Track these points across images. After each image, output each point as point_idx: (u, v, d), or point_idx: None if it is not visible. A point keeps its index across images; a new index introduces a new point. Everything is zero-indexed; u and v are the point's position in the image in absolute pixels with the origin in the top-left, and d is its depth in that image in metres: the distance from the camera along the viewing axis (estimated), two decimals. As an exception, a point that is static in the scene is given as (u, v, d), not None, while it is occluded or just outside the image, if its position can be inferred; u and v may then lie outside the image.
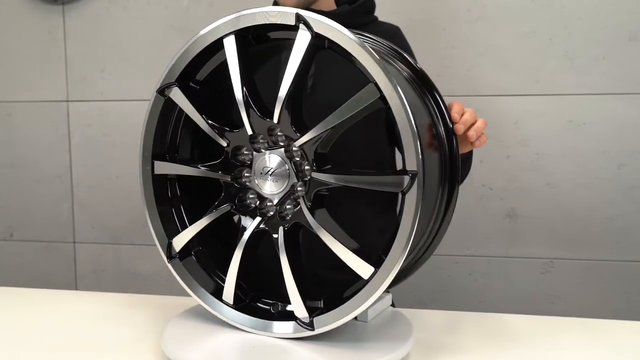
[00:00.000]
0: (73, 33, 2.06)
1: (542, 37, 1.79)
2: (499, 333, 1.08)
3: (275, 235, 0.96)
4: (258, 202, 0.99)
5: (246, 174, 1.00)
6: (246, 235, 0.97)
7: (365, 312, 1.00)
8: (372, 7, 1.39)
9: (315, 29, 0.86)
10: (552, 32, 1.78)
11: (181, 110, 1.05)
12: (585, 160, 1.81)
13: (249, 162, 0.98)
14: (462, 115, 1.02)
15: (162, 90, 1.01)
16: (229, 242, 1.08)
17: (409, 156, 0.83)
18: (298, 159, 0.93)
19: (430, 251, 1.01)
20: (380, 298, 1.04)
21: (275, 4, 1.39)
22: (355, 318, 1.00)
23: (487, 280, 1.91)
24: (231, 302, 1.00)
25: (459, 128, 1.00)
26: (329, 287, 1.06)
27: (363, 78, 0.88)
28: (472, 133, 1.03)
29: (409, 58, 1.05)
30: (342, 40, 0.85)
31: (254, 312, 0.99)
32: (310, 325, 0.92)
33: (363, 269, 0.87)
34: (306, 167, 0.93)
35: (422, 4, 1.85)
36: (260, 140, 0.97)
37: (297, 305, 0.93)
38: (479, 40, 1.83)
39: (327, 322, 0.91)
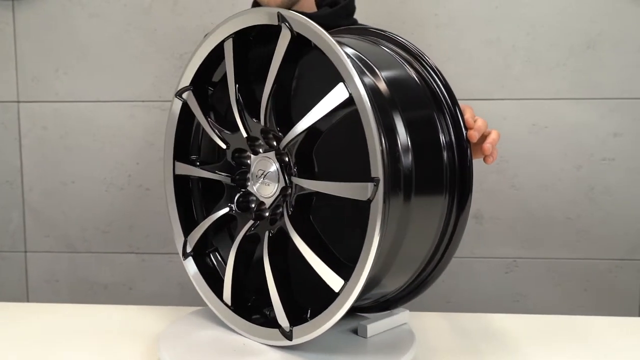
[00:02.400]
0: (24, 30, 1.94)
1: (506, 43, 1.84)
2: (499, 335, 1.09)
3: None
4: (257, 204, 0.97)
5: (249, 176, 0.99)
6: (239, 237, 0.95)
7: (365, 327, 0.98)
8: (353, 9, 1.39)
9: (295, 29, 0.85)
10: (516, 39, 1.84)
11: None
12: (547, 162, 1.87)
13: (244, 163, 0.98)
14: (475, 122, 0.95)
15: (180, 94, 1.03)
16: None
17: (373, 162, 0.78)
18: (280, 158, 0.92)
19: (443, 265, 0.97)
20: (389, 314, 1.02)
21: (255, 5, 1.36)
22: (356, 332, 0.99)
23: (454, 280, 1.95)
24: (229, 303, 0.98)
25: (473, 135, 0.92)
26: (322, 295, 1.04)
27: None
28: (487, 146, 0.95)
29: (429, 60, 1.00)
30: (316, 39, 0.83)
31: (250, 315, 0.97)
32: (290, 334, 0.89)
33: (334, 281, 0.84)
34: (294, 171, 0.91)
35: (391, 8, 1.86)
36: (259, 143, 0.95)
37: (279, 313, 0.91)
38: (445, 45, 1.86)
39: (305, 333, 0.88)
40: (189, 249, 1.05)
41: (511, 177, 1.89)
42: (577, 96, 1.84)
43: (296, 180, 0.89)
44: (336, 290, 0.83)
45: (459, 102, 0.96)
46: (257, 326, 0.94)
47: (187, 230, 1.06)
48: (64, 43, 1.94)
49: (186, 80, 1.02)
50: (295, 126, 0.86)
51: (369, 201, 0.78)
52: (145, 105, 1.94)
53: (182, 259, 1.06)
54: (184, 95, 1.03)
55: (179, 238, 1.07)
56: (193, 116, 1.05)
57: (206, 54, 0.98)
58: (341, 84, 0.80)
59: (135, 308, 1.23)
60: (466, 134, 0.92)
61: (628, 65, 1.81)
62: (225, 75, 1.01)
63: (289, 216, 0.89)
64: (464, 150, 0.92)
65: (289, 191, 0.91)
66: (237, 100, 0.94)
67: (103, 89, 1.95)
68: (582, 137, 1.85)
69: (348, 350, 0.93)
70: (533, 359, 1.00)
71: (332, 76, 0.81)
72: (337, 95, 0.81)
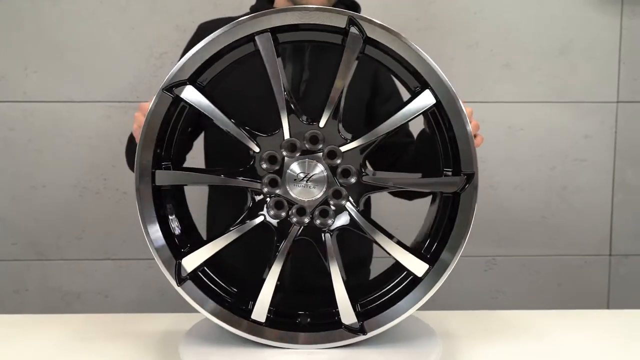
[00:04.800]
0: (-11, 25, 1.83)
1: (485, 48, 1.90)
2: (495, 329, 1.13)
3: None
4: (289, 210, 0.94)
5: (267, 181, 0.94)
6: (286, 246, 0.93)
7: None
8: None
9: (368, 33, 0.86)
10: (494, 44, 1.90)
11: (180, 114, 0.97)
12: (523, 163, 1.95)
13: (276, 169, 0.93)
14: None
15: (169, 89, 0.91)
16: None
17: (465, 158, 0.89)
18: (339, 162, 0.92)
19: None
20: None
21: (257, 7, 1.33)
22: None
23: (435, 279, 1.98)
24: (263, 319, 0.94)
25: None
26: (318, 294, 1.04)
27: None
28: None
29: None
30: (397, 46, 0.87)
31: (283, 327, 0.95)
32: (363, 329, 0.92)
33: (418, 266, 0.91)
34: (341, 172, 0.92)
35: (373, 11, 1.87)
36: (297, 145, 0.92)
37: (346, 312, 0.92)
38: (426, 48, 1.88)
39: (378, 324, 0.92)
40: (186, 272, 0.94)
41: (489, 178, 1.95)
42: (551, 99, 1.92)
43: (373, 180, 0.92)
44: (419, 275, 0.91)
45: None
46: (317, 333, 0.93)
47: (173, 250, 0.95)
48: (33, 40, 1.84)
49: (182, 75, 0.91)
50: (376, 129, 0.89)
51: (457, 193, 0.89)
52: (121, 105, 1.88)
53: (176, 285, 0.93)
54: (184, 92, 0.91)
55: (169, 261, 0.94)
56: (172, 116, 0.94)
57: (221, 46, 0.90)
58: (427, 90, 0.84)
59: (121, 316, 1.18)
60: None
61: (597, 71, 1.91)
62: (220, 74, 0.96)
63: (362, 214, 0.92)
64: None
65: (337, 192, 0.92)
66: (286, 100, 0.91)
67: (76, 89, 1.86)
68: (556, 139, 1.94)
69: (383, 337, 0.96)
70: (531, 353, 1.05)
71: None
72: (423, 101, 0.87)
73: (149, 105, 0.93)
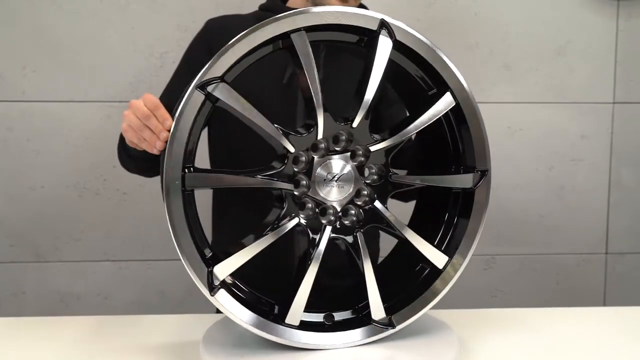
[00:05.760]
0: (-14, 24, 1.80)
1: (484, 49, 1.92)
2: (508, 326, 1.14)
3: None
4: (317, 210, 0.93)
5: (301, 182, 0.93)
6: (322, 247, 0.92)
7: None
8: None
9: (397, 37, 0.90)
10: (493, 45, 1.92)
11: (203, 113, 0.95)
12: (521, 163, 1.97)
13: (306, 169, 0.92)
14: None
15: (202, 87, 0.87)
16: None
17: (479, 155, 0.95)
18: (363, 160, 0.93)
19: None
20: None
21: (268, 6, 1.33)
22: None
23: (435, 278, 2.00)
24: (297, 323, 0.92)
25: None
26: (333, 294, 1.05)
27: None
28: None
29: None
30: (423, 50, 0.92)
31: (313, 329, 0.94)
32: (392, 322, 0.95)
33: (439, 258, 0.96)
34: (370, 171, 0.94)
35: (376, 11, 1.89)
36: (323, 145, 0.92)
37: (377, 308, 0.94)
38: (427, 49, 1.91)
39: (405, 317, 0.95)
40: (218, 280, 0.90)
41: (488, 178, 1.97)
42: (549, 100, 1.95)
43: (403, 178, 0.95)
44: (440, 266, 0.96)
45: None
46: (350, 331, 0.94)
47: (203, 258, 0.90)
48: (32, 39, 1.82)
49: (216, 72, 0.86)
50: (404, 131, 0.93)
51: (472, 189, 0.95)
52: (121, 105, 1.86)
53: (209, 295, 0.89)
54: (217, 90, 0.87)
55: (200, 270, 0.88)
56: (196, 116, 0.89)
57: (257, 43, 0.87)
58: (448, 93, 0.91)
59: (121, 318, 1.16)
60: None
61: (594, 72, 1.94)
62: (241, 73, 0.93)
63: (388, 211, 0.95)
64: None
65: (366, 192, 0.94)
66: (321, 99, 0.90)
67: (75, 89, 1.84)
68: (554, 139, 1.97)
69: (397, 335, 0.98)
70: (531, 348, 1.07)
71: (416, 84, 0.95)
72: (444, 103, 0.92)
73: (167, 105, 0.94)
